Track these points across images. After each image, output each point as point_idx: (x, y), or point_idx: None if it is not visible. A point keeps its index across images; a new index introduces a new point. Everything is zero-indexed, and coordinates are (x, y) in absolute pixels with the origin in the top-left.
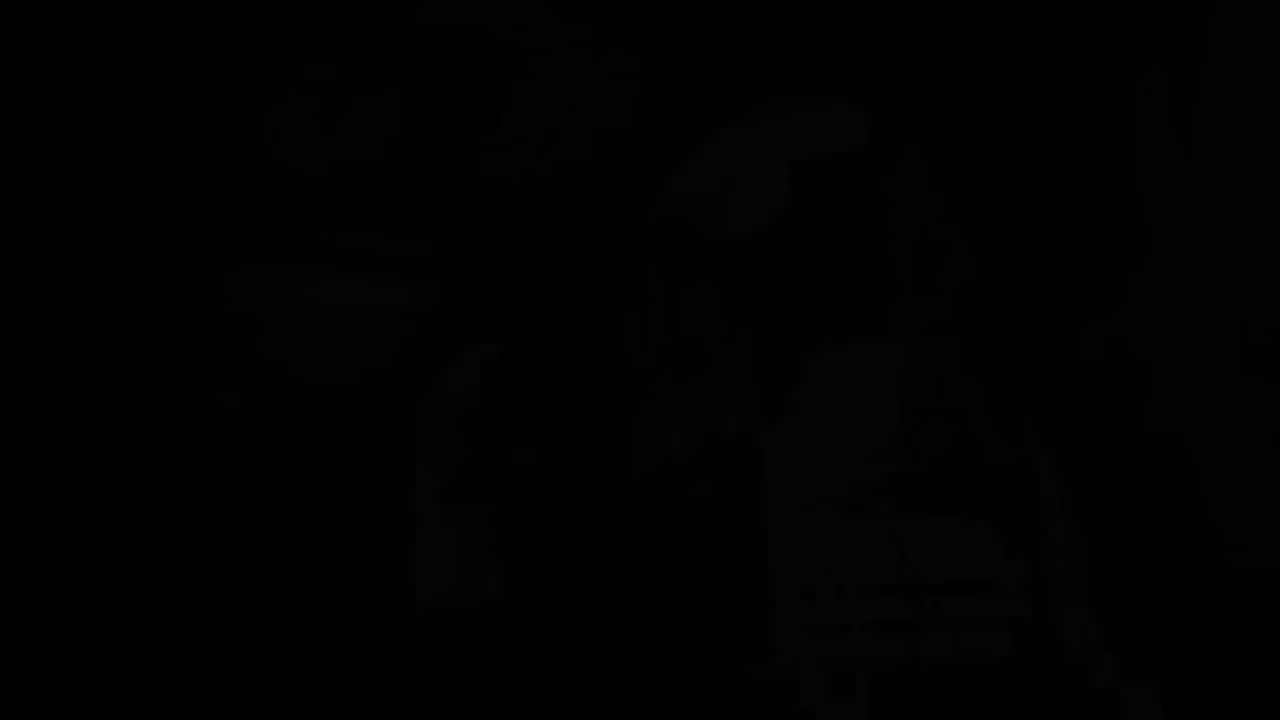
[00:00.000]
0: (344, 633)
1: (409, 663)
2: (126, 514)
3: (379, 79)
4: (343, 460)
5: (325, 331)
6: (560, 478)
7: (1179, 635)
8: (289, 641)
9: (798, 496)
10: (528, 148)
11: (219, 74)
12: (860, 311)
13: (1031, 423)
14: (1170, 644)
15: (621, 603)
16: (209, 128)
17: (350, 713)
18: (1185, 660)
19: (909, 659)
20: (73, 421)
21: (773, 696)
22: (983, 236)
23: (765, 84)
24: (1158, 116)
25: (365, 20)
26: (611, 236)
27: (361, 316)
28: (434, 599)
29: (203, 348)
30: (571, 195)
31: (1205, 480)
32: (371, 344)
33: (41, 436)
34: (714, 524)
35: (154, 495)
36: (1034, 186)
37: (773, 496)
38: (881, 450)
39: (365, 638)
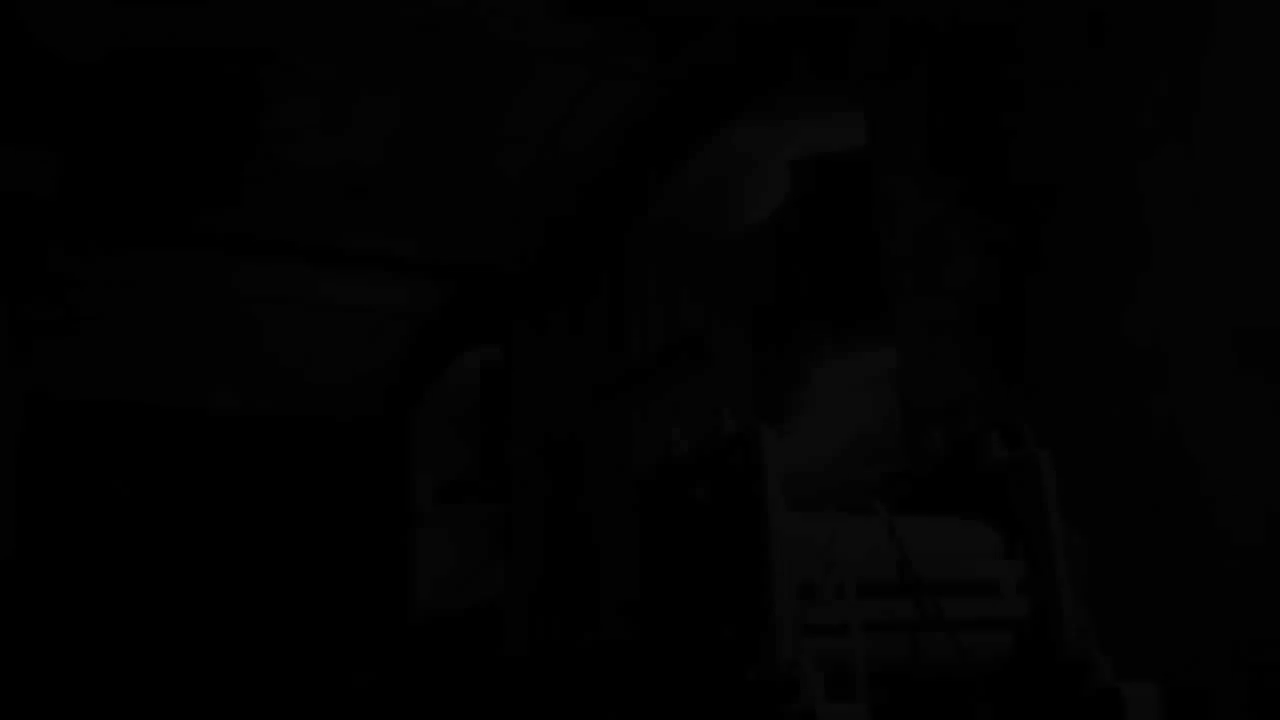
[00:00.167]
0: (343, 633)
1: (408, 663)
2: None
3: (379, 79)
4: (342, 460)
5: (325, 331)
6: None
7: (1178, 635)
8: (288, 640)
9: (798, 496)
10: (528, 147)
11: (220, 73)
12: (861, 311)
13: (1031, 423)
14: (1170, 644)
15: (622, 602)
16: (211, 128)
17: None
18: (1185, 660)
19: (909, 659)
20: None
21: (773, 696)
22: (984, 235)
23: (766, 84)
24: (1158, 113)
25: (365, 20)
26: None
27: (361, 316)
28: (433, 599)
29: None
30: (571, 196)
31: (1206, 480)
32: (371, 344)
33: None
34: (714, 524)
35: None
36: (1034, 185)
37: (773, 496)
38: (881, 450)
39: (364, 639)
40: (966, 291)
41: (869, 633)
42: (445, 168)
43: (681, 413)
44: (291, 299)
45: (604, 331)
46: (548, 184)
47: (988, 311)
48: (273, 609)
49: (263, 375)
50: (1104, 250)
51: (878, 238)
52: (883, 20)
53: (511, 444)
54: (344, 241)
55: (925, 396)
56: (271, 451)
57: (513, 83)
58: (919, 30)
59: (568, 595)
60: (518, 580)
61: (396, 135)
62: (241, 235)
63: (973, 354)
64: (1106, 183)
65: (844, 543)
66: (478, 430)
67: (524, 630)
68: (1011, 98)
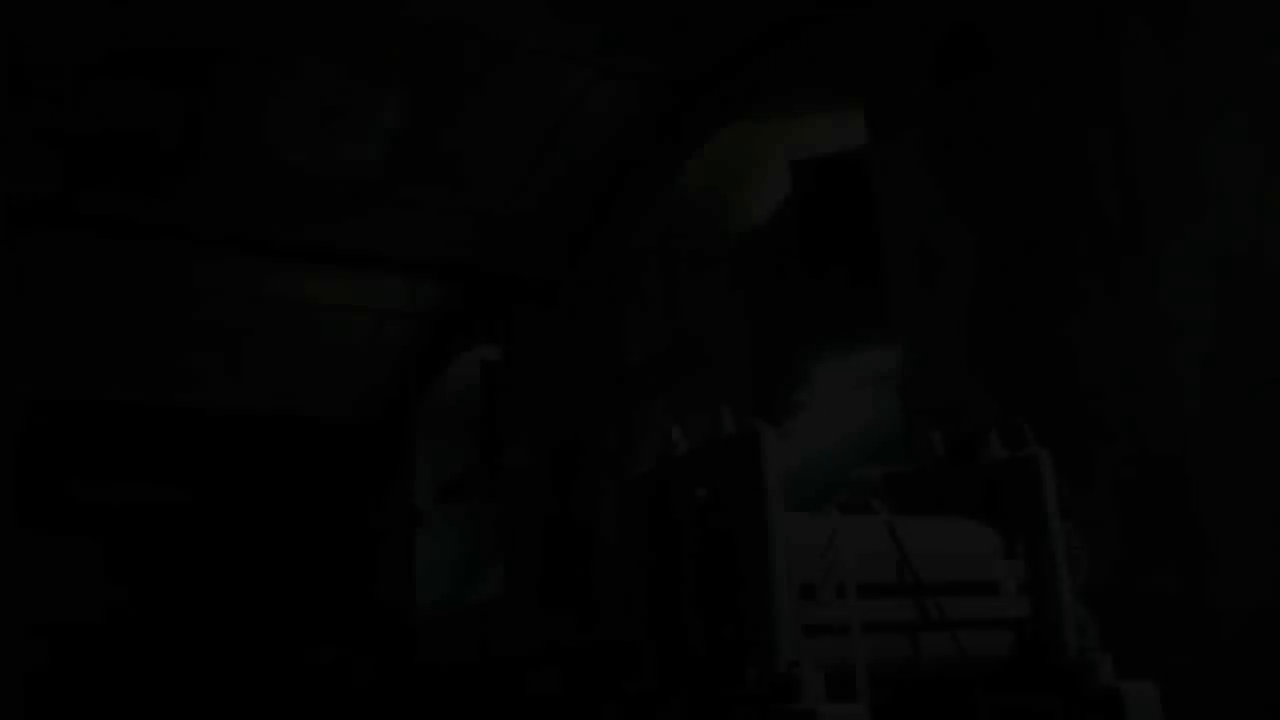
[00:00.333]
0: (344, 632)
1: (407, 664)
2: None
3: (379, 79)
4: (342, 460)
5: (325, 331)
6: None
7: (1178, 635)
8: (286, 640)
9: (798, 496)
10: (528, 147)
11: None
12: (861, 311)
13: (1030, 423)
14: (1169, 644)
15: (621, 602)
16: (210, 128)
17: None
18: (1184, 660)
19: (909, 659)
20: None
21: (773, 696)
22: (984, 235)
23: (766, 86)
24: (1155, 108)
25: (365, 20)
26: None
27: (361, 316)
28: (433, 599)
29: None
30: (571, 196)
31: (1198, 490)
32: (371, 344)
33: None
34: (714, 524)
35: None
36: (1034, 185)
37: (773, 496)
38: (881, 450)
39: (365, 639)
40: (966, 292)
41: (869, 633)
42: (445, 167)
43: (681, 413)
44: (292, 299)
45: (604, 332)
46: (548, 184)
47: (988, 311)
48: (272, 609)
49: (263, 375)
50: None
51: (878, 238)
52: (883, 20)
53: (511, 444)
54: (344, 241)
55: (925, 396)
56: (272, 451)
57: (513, 82)
58: (919, 30)
59: (567, 595)
60: (517, 580)
61: (396, 135)
62: (242, 235)
63: (972, 354)
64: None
65: (844, 543)
66: (478, 430)
67: (524, 630)
68: (1007, 97)
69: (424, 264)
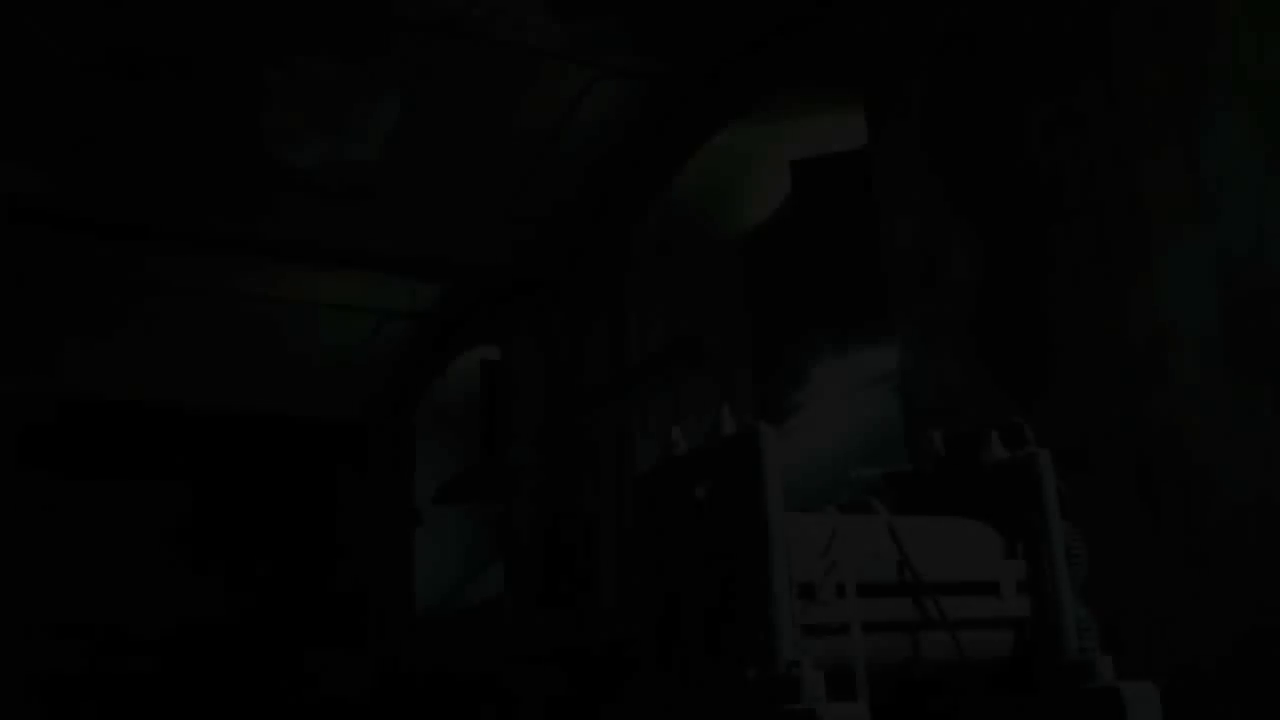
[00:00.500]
0: (343, 632)
1: (408, 662)
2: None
3: (379, 79)
4: (342, 460)
5: (325, 331)
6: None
7: (1178, 634)
8: (285, 639)
9: (798, 496)
10: (528, 147)
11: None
12: (861, 311)
13: (1030, 423)
14: (1169, 643)
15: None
16: (209, 129)
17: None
18: (1184, 660)
19: (909, 659)
20: None
21: (773, 696)
22: (985, 234)
23: (766, 86)
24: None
25: (365, 20)
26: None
27: (361, 316)
28: (433, 599)
29: None
30: (571, 196)
31: (1198, 490)
32: (371, 344)
33: None
34: (714, 524)
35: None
36: (1033, 184)
37: (773, 496)
38: (881, 450)
39: (364, 638)
40: (966, 291)
41: (869, 633)
42: (445, 168)
43: (681, 413)
44: (292, 299)
45: (604, 331)
46: (548, 184)
47: (988, 311)
48: (271, 610)
49: (263, 375)
50: (1109, 249)
51: (878, 238)
52: (883, 20)
53: (511, 444)
54: (344, 242)
55: (925, 396)
56: (271, 451)
57: (513, 82)
58: (919, 30)
59: (567, 595)
60: (518, 580)
61: (397, 135)
62: (242, 236)
63: (973, 354)
64: (1110, 181)
65: (844, 543)
66: (478, 430)
67: (524, 630)
68: (1014, 100)
69: (424, 264)
